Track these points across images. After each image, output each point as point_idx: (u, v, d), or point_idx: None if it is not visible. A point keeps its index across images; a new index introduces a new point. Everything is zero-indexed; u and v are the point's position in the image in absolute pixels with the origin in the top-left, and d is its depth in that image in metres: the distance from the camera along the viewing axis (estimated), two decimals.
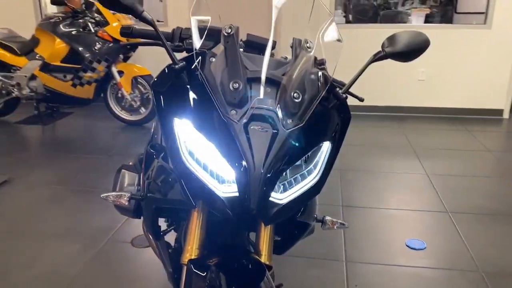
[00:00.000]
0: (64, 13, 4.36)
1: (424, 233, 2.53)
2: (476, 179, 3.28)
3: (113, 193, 1.33)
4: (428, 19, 6.56)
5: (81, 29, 4.22)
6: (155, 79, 1.19)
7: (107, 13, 4.20)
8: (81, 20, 4.22)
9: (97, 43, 4.17)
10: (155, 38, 1.40)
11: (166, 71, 1.18)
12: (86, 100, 4.47)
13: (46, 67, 4.28)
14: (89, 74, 4.23)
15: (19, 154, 3.76)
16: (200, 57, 1.18)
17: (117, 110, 4.58)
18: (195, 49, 1.17)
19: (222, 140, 1.08)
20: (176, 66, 1.15)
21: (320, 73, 1.24)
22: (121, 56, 4.39)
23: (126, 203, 1.32)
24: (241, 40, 1.48)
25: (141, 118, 4.56)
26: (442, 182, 3.22)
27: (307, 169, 1.17)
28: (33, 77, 4.35)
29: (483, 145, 4.04)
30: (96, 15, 4.26)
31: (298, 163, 1.16)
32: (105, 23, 4.20)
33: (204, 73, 1.14)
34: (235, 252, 1.28)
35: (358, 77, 1.24)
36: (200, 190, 1.09)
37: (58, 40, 4.20)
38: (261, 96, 1.13)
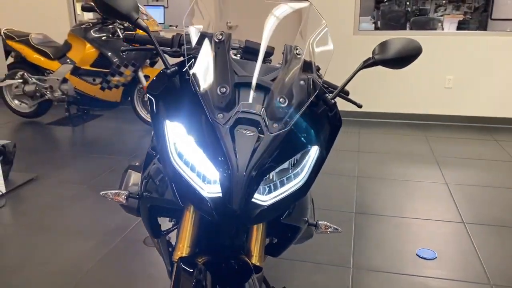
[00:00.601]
0: (95, 20, 4.54)
1: (437, 243, 2.48)
2: (498, 191, 3.19)
3: (112, 191, 1.40)
4: (461, 26, 6.41)
5: (110, 35, 4.38)
6: (150, 83, 1.24)
7: (148, 20, 4.35)
8: (110, 26, 4.38)
9: None
10: (164, 45, 1.46)
11: (160, 75, 1.24)
12: (113, 103, 4.63)
13: (76, 71, 4.46)
14: (116, 78, 4.39)
15: (48, 153, 3.94)
16: (192, 62, 1.23)
17: (143, 113, 4.72)
18: (185, 54, 1.22)
19: (208, 142, 1.12)
20: (168, 71, 1.20)
21: (311, 79, 1.26)
22: (148, 61, 4.53)
23: (124, 201, 1.38)
24: (239, 47, 1.52)
25: None
26: (461, 192, 3.15)
27: (294, 172, 1.20)
28: (64, 81, 4.55)
29: (510, 156, 3.91)
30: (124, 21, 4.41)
31: (285, 166, 1.19)
32: (133, 29, 4.34)
33: (197, 77, 1.19)
34: (225, 252, 1.32)
35: (346, 83, 1.26)
36: (186, 190, 1.13)
37: (88, 45, 4.38)
38: (250, 100, 1.16)
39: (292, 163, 1.21)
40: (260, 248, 1.34)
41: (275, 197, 1.14)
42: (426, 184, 3.30)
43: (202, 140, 1.13)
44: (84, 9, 4.17)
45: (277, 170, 1.18)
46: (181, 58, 1.34)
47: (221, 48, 1.20)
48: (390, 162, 3.76)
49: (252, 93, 1.17)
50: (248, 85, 1.18)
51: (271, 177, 1.17)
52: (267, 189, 1.16)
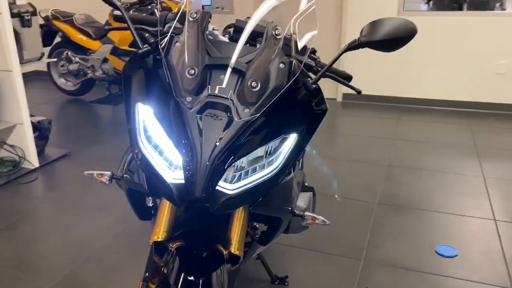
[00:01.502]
0: (135, 1, 4.60)
1: (460, 240, 2.32)
2: None
3: (96, 171, 1.40)
4: None
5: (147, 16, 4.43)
6: (126, 63, 1.22)
7: (171, 4, 4.37)
8: (148, 7, 4.43)
9: None
10: (145, 23, 1.43)
11: (134, 55, 1.21)
12: None
13: (115, 51, 4.57)
14: None
15: (85, 131, 4.09)
16: (166, 42, 1.19)
17: None
18: (159, 34, 1.18)
19: (174, 127, 1.08)
20: (140, 51, 1.17)
21: (292, 62, 1.18)
22: None
23: (107, 182, 1.39)
24: (231, 26, 1.46)
25: None
26: (498, 187, 2.92)
27: (268, 160, 1.14)
28: (105, 60, 4.68)
29: None
30: (162, 2, 4.45)
31: (259, 154, 1.14)
32: (170, 10, 4.36)
33: (168, 58, 1.15)
34: (201, 239, 1.29)
35: (329, 67, 1.17)
36: (151, 175, 1.11)
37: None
38: (224, 84, 1.11)
39: (268, 151, 1.15)
40: (239, 237, 1.30)
41: (243, 186, 1.09)
42: (461, 176, 3.09)
43: (167, 124, 1.09)
44: None
45: (249, 157, 1.12)
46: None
47: (194, 27, 1.15)
48: (426, 151, 3.56)
49: (227, 75, 1.12)
50: (221, 67, 1.13)
51: (242, 164, 1.12)
52: (237, 177, 1.11)
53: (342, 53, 1.15)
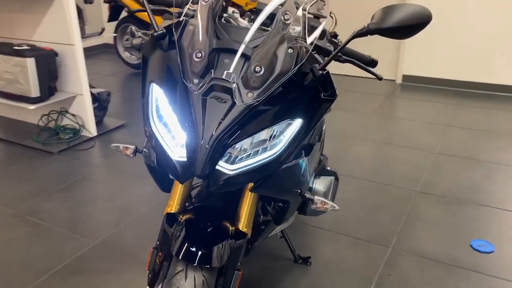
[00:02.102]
0: None
1: (501, 236, 2.21)
2: None
3: (123, 144, 1.51)
4: None
5: None
6: (144, 44, 1.29)
7: None
8: None
9: None
10: (164, 4, 1.49)
11: (150, 37, 1.27)
12: None
13: None
14: None
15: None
16: (182, 25, 1.24)
17: None
18: (174, 17, 1.23)
19: (180, 107, 1.14)
20: (155, 34, 1.23)
21: (301, 47, 1.18)
22: None
23: (131, 155, 1.49)
24: (252, 9, 1.48)
25: None
26: None
27: (272, 143, 1.17)
28: None
29: None
30: None
31: (263, 137, 1.17)
32: None
33: (180, 41, 1.20)
34: (210, 214, 1.35)
35: (336, 54, 1.16)
36: (159, 151, 1.18)
37: None
38: (231, 69, 1.14)
39: (273, 134, 1.18)
40: (248, 215, 1.36)
41: (243, 167, 1.14)
42: None
43: (175, 105, 1.15)
44: None
45: (254, 140, 1.16)
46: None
47: (205, 11, 1.19)
48: (482, 140, 3.36)
49: (235, 61, 1.15)
50: (229, 51, 1.16)
51: (245, 146, 1.16)
52: (239, 158, 1.15)
53: (349, 40, 1.14)
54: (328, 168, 1.90)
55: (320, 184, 1.69)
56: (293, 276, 1.95)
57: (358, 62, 1.40)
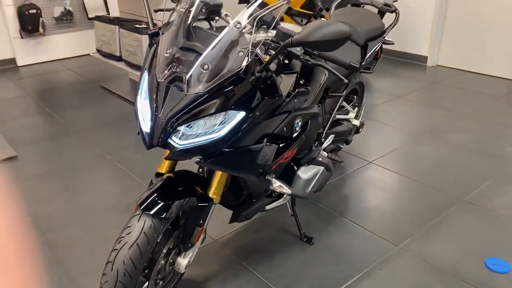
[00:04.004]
0: None
1: None
2: None
3: None
4: None
5: None
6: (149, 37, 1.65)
7: None
8: None
9: None
10: None
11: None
12: None
13: (289, 11, 4.99)
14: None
15: None
16: (166, 26, 1.56)
17: None
18: (163, 20, 1.55)
19: (151, 91, 1.49)
20: (150, 32, 1.58)
21: (249, 50, 1.41)
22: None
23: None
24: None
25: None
26: None
27: (218, 128, 1.44)
28: (281, 19, 5.17)
29: None
30: None
31: (215, 122, 1.45)
32: None
33: (162, 39, 1.53)
34: (190, 178, 1.68)
35: (270, 62, 1.36)
36: (137, 122, 1.55)
37: None
38: (191, 65, 1.43)
39: (223, 121, 1.45)
40: (218, 184, 1.67)
41: (188, 144, 1.44)
42: None
43: (150, 89, 1.50)
44: None
45: (207, 123, 1.44)
46: None
47: (180, 16, 1.49)
48: None
49: (194, 58, 1.43)
50: (191, 50, 1.45)
51: (196, 128, 1.45)
52: (189, 136, 1.45)
53: (278, 52, 1.33)
54: (320, 159, 2.02)
55: (303, 172, 1.88)
56: (291, 250, 2.17)
57: (325, 65, 1.54)
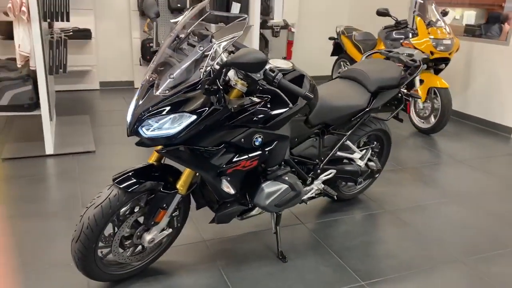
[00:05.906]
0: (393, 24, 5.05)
1: None
2: None
3: None
4: None
5: (403, 37, 4.82)
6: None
7: (422, 27, 4.59)
8: (402, 31, 4.82)
9: None
10: None
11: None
12: None
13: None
14: None
15: None
16: (161, 45, 2.00)
17: (416, 120, 4.94)
18: (160, 43, 2.01)
19: (139, 89, 1.93)
20: (153, 49, 2.04)
21: (208, 67, 1.78)
22: (425, 66, 4.67)
23: None
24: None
25: (429, 127, 4.75)
26: None
27: (175, 126, 1.81)
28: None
29: None
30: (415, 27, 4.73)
31: (174, 120, 1.83)
32: (416, 35, 4.63)
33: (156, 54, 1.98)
34: (171, 168, 2.07)
35: (216, 77, 1.71)
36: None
37: (382, 44, 5.01)
38: (164, 76, 1.85)
39: (179, 120, 1.82)
40: (186, 178, 2.04)
41: (152, 135, 1.82)
42: None
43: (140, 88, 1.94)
44: (378, 13, 4.79)
45: (172, 120, 1.83)
46: None
47: (168, 41, 1.93)
48: None
49: (167, 69, 1.86)
50: (167, 64, 1.87)
51: (163, 122, 1.83)
52: (153, 128, 1.83)
53: (220, 69, 1.69)
54: (286, 178, 2.22)
55: (267, 186, 2.13)
56: (263, 262, 2.38)
57: (279, 92, 1.84)
